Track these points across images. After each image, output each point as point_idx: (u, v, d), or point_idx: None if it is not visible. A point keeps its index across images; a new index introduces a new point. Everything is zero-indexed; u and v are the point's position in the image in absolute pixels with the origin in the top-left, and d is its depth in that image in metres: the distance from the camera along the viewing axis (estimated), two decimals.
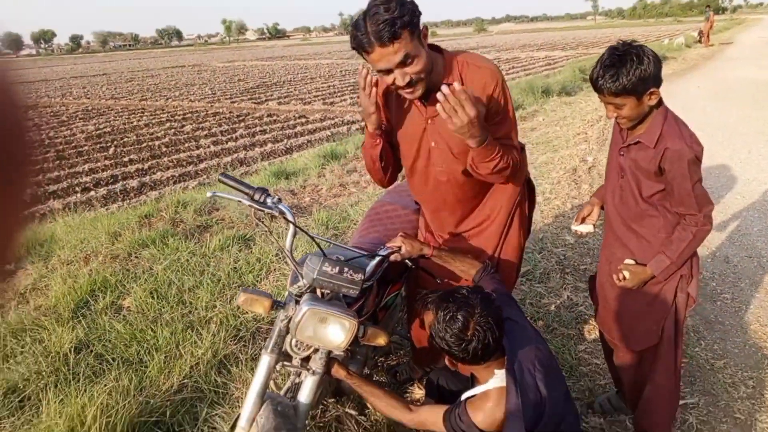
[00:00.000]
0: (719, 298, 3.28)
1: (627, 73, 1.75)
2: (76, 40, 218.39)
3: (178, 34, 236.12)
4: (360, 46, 1.74)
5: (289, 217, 1.84)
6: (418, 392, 2.62)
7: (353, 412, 2.44)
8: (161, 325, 3.14)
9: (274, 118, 12.88)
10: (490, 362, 1.67)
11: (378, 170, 2.15)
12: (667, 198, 1.92)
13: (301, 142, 10.06)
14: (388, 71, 1.76)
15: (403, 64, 1.73)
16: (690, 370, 2.68)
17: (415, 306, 2.50)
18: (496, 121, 1.92)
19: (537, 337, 1.81)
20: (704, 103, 9.37)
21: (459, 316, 1.58)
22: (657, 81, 1.80)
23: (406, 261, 2.03)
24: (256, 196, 1.88)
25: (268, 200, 1.88)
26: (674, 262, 1.90)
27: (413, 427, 1.93)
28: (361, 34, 1.72)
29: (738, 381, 2.59)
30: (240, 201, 1.88)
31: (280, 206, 1.87)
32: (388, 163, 2.17)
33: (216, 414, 2.46)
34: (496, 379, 1.69)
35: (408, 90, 1.82)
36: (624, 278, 2.00)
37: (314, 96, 16.28)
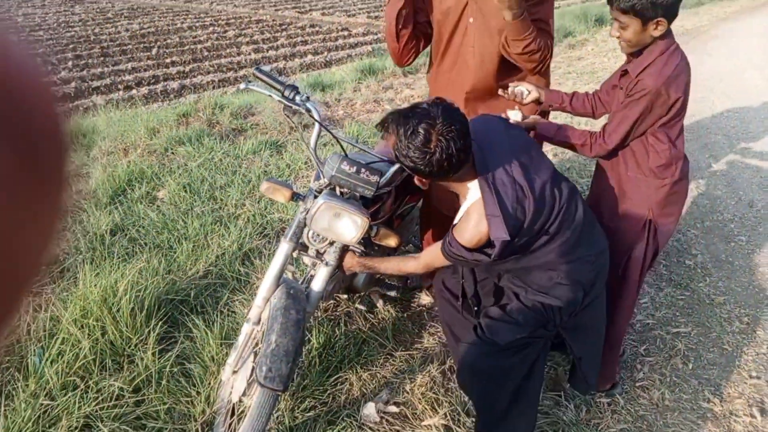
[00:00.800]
0: (735, 240, 3.28)
1: None
2: None
3: None
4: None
5: (315, 115, 1.91)
6: (425, 298, 2.76)
7: (363, 307, 2.60)
8: (192, 216, 3.31)
9: (317, 29, 12.67)
10: (462, 175, 1.65)
11: (394, 35, 2.18)
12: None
13: (342, 56, 9.94)
14: None
15: None
16: (689, 302, 2.75)
17: (424, 216, 2.60)
18: (535, 1, 2.00)
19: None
20: (761, 43, 8.84)
21: (420, 129, 1.52)
22: (669, 12, 1.73)
23: None
24: (286, 93, 1.95)
25: (297, 97, 1.94)
26: (551, 135, 2.02)
27: (422, 271, 2.01)
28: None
29: (734, 317, 2.66)
30: (270, 95, 1.95)
31: (308, 104, 1.93)
32: (407, 30, 2.19)
33: (236, 299, 2.65)
34: (472, 192, 1.68)
35: None
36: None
37: (359, 8, 15.87)
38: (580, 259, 1.75)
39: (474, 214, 1.66)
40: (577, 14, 10.78)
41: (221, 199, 3.59)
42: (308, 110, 1.93)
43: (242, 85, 1.98)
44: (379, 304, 2.65)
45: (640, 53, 1.84)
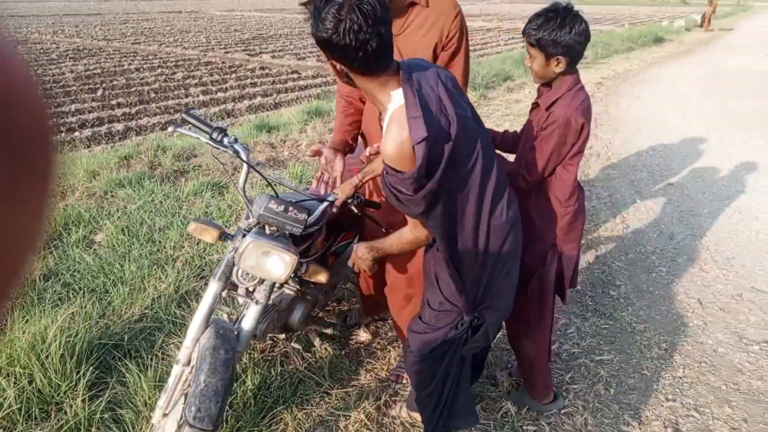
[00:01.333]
0: (655, 271, 3.48)
1: (546, 29, 1.88)
2: None
3: None
4: None
5: (243, 156, 1.97)
6: (363, 335, 2.80)
7: (299, 346, 2.62)
8: (129, 260, 3.28)
9: (266, 71, 12.82)
10: (385, 80, 1.59)
11: None
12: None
13: (291, 98, 10.07)
14: None
15: None
16: (612, 331, 2.89)
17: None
18: (450, 52, 2.09)
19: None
20: (690, 89, 9.48)
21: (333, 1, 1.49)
22: (569, 51, 1.90)
23: (352, 207, 2.16)
24: (214, 135, 2.01)
25: (225, 139, 2.01)
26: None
27: (418, 231, 1.80)
28: None
29: (653, 343, 2.80)
30: (199, 138, 2.01)
31: (235, 146, 2.00)
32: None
33: (172, 342, 2.63)
34: (395, 99, 1.60)
35: None
36: None
37: (309, 52, 16.14)
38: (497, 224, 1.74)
39: (395, 122, 1.57)
40: (516, 59, 11.30)
41: (160, 242, 3.57)
42: (236, 152, 1.99)
43: (170, 128, 2.04)
44: (317, 342, 2.67)
45: (549, 86, 2.02)
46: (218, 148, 1.98)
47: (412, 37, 2.09)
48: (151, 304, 2.91)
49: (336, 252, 2.53)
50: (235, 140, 2.01)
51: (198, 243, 3.56)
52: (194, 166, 5.00)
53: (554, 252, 2.11)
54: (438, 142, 1.55)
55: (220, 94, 10.21)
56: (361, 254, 1.96)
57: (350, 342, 2.79)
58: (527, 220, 2.08)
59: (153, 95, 10.27)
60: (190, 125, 2.06)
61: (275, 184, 2.17)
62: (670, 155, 5.74)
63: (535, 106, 2.07)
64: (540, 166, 1.98)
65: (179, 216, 3.91)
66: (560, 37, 1.87)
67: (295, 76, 12.32)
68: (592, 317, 2.99)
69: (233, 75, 12.29)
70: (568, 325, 2.92)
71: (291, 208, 1.90)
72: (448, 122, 1.57)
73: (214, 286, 1.98)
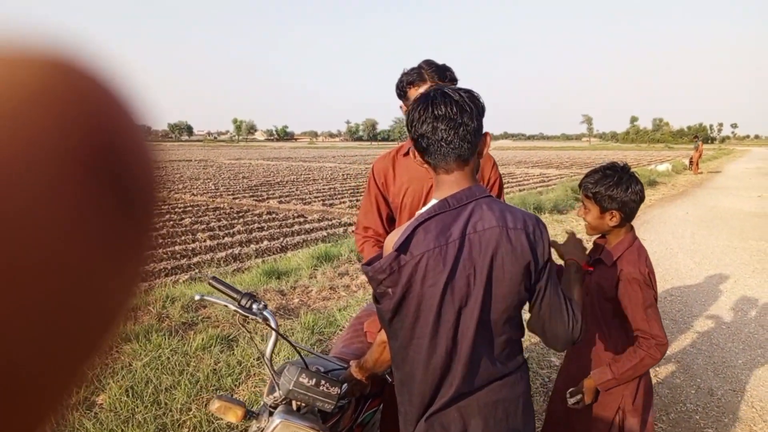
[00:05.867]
0: None
1: (604, 184, 1.95)
2: None
3: (189, 129, 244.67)
4: (417, 78, 2.07)
5: (273, 325, 1.86)
6: None
7: None
8: (133, 425, 3.03)
9: (273, 215, 13.10)
10: (437, 175, 1.50)
11: None
12: (625, 321, 1.97)
13: (297, 240, 10.16)
14: None
15: None
16: None
17: (384, 419, 2.44)
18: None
19: None
20: (692, 230, 9.60)
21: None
22: (624, 207, 1.96)
23: (386, 376, 2.01)
24: (243, 302, 1.91)
25: (254, 306, 1.91)
26: (616, 377, 1.92)
27: (383, 342, 1.75)
28: (418, 70, 2.08)
29: None
30: (227, 305, 1.91)
31: (264, 313, 1.90)
32: None
33: None
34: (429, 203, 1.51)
35: None
36: (577, 402, 2.00)
37: (315, 197, 16.66)
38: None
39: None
40: (516, 202, 11.60)
41: (166, 403, 3.33)
42: (265, 319, 1.89)
43: (197, 296, 1.94)
44: None
45: (603, 238, 2.05)
46: (247, 316, 1.88)
47: None
48: None
49: (362, 423, 2.32)
50: (265, 306, 1.91)
51: (206, 404, 3.32)
52: (203, 317, 4.86)
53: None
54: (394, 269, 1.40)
55: (227, 239, 10.31)
56: (356, 376, 1.89)
57: None
58: None
59: (160, 240, 10.32)
60: (216, 291, 1.97)
61: (304, 352, 2.02)
62: (689, 301, 5.61)
63: (597, 261, 2.07)
64: (650, 326, 1.91)
65: (187, 373, 3.69)
66: (617, 193, 1.94)
67: (301, 219, 12.57)
68: None
69: (241, 220, 12.54)
70: None
71: (323, 382, 1.75)
72: (412, 271, 1.39)
73: None
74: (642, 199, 2.00)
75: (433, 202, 1.46)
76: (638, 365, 1.89)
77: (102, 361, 0.22)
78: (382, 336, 1.73)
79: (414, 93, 2.10)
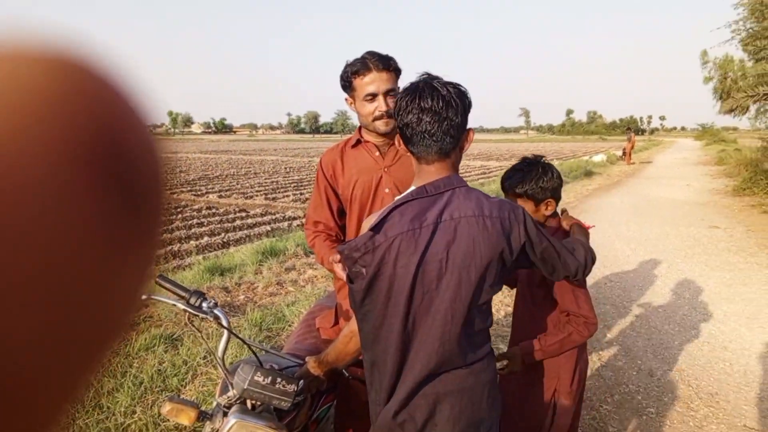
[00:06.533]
0: (645, 413, 3.33)
1: (531, 179, 1.99)
2: None
3: None
4: (362, 67, 2.07)
5: (224, 323, 1.79)
6: None
7: None
8: None
9: (213, 210, 12.75)
10: (417, 163, 1.54)
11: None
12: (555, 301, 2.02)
13: (240, 236, 9.93)
14: (374, 96, 2.09)
15: (387, 94, 2.08)
16: None
17: (339, 414, 2.41)
18: None
19: None
20: (627, 218, 10.01)
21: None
22: (555, 194, 2.02)
23: (343, 371, 1.98)
24: (192, 300, 1.82)
25: (204, 304, 1.82)
26: (543, 349, 1.95)
27: (351, 333, 1.73)
28: (362, 60, 2.08)
29: None
30: (175, 304, 1.82)
31: (215, 311, 1.82)
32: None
33: None
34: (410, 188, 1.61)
35: (385, 120, 2.12)
36: (503, 368, 2.03)
37: (256, 191, 16.33)
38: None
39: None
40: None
41: (108, 407, 3.17)
42: (216, 317, 1.81)
43: (143, 296, 1.83)
44: None
45: None
46: (197, 315, 1.79)
47: (400, 172, 2.21)
48: None
49: (317, 419, 2.27)
50: (215, 304, 1.83)
51: (151, 406, 3.19)
52: (145, 317, 4.66)
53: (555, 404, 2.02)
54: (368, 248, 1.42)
55: (165, 235, 9.95)
56: (315, 373, 1.85)
57: None
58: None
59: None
60: (162, 290, 1.87)
61: (257, 350, 1.96)
62: (627, 286, 5.85)
63: None
64: (579, 305, 1.94)
65: (130, 375, 3.53)
66: (545, 182, 2.00)
67: (243, 214, 12.29)
68: None
69: (179, 216, 12.14)
70: None
71: (279, 380, 1.69)
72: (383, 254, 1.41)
73: None
74: (562, 181, 2.09)
75: (411, 189, 1.49)
76: (565, 340, 1.92)
77: (105, 365, 0.21)
78: (350, 326, 1.72)
79: (359, 83, 2.11)
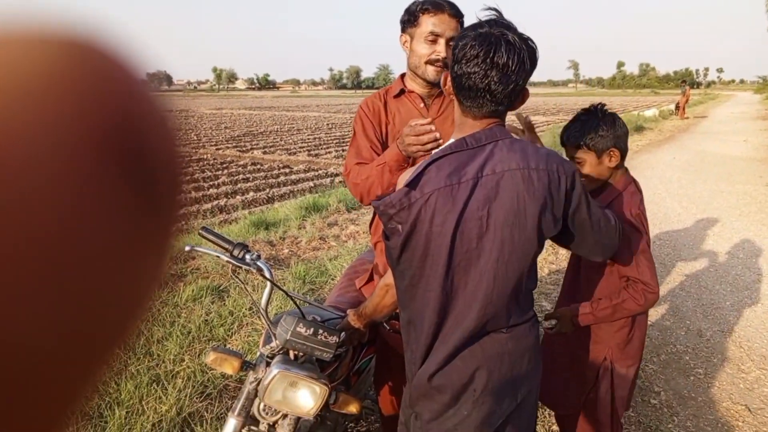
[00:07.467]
0: (692, 373, 3.26)
1: (591, 128, 1.86)
2: None
3: (168, 79, 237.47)
4: (434, 6, 1.96)
5: (267, 275, 1.80)
6: None
7: None
8: (126, 377, 3.00)
9: (258, 166, 12.91)
10: (463, 114, 1.43)
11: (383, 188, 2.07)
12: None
13: (284, 192, 10.05)
14: (436, 38, 1.96)
15: (449, 41, 1.95)
16: None
17: (379, 365, 2.43)
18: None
19: None
20: (680, 175, 9.63)
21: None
22: (618, 143, 1.86)
23: (384, 324, 1.98)
24: (236, 252, 1.84)
25: (247, 256, 1.84)
26: (594, 313, 1.86)
27: (386, 286, 1.69)
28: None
29: None
30: (219, 256, 1.84)
31: (258, 263, 1.83)
32: None
33: None
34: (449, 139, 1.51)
35: (439, 66, 2.00)
36: (551, 327, 1.96)
37: (300, 147, 16.42)
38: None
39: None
40: None
41: (158, 355, 3.31)
42: (259, 269, 1.82)
43: (186, 247, 1.86)
44: None
45: (602, 191, 1.92)
46: (240, 266, 1.81)
47: (445, 125, 2.07)
48: (152, 430, 2.62)
49: (359, 371, 2.31)
50: (258, 257, 1.85)
51: (199, 355, 3.31)
52: (192, 269, 4.80)
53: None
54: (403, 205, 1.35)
55: (212, 191, 10.16)
56: (354, 324, 1.84)
57: None
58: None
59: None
60: (207, 242, 1.90)
61: (300, 302, 1.97)
62: (677, 245, 5.66)
63: None
64: (641, 272, 1.81)
65: (178, 325, 3.66)
66: (607, 131, 1.85)
67: (287, 170, 12.41)
68: (636, 431, 2.73)
69: (225, 171, 12.34)
70: None
71: (321, 331, 1.70)
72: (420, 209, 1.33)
73: (232, 423, 1.74)
74: (628, 130, 1.94)
75: (450, 141, 1.39)
76: (618, 306, 1.81)
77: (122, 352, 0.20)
78: (386, 280, 1.68)
79: (426, 19, 1.97)
